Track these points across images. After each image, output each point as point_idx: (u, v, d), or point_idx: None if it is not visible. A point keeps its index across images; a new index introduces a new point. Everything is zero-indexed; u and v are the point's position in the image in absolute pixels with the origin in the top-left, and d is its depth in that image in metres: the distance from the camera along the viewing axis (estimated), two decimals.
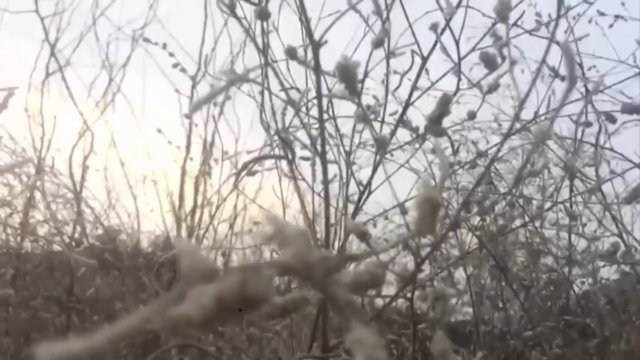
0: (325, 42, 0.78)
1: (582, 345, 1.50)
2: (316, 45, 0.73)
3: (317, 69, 0.73)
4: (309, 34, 0.74)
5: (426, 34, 1.06)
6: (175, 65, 1.78)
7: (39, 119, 2.43)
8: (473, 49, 1.04)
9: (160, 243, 2.90)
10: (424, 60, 1.03)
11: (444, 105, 0.69)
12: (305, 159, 1.18)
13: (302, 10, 0.75)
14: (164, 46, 1.81)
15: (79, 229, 2.20)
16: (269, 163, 1.22)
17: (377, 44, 0.83)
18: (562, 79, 1.57)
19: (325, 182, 0.84)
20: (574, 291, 1.75)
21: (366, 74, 1.03)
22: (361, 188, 1.11)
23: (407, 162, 1.22)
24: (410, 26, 1.01)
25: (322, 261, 0.35)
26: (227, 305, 0.27)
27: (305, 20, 0.75)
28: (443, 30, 0.94)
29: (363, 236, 0.53)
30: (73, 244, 2.29)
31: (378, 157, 0.88)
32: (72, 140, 2.40)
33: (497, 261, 1.56)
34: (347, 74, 0.53)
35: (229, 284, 0.27)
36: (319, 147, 0.86)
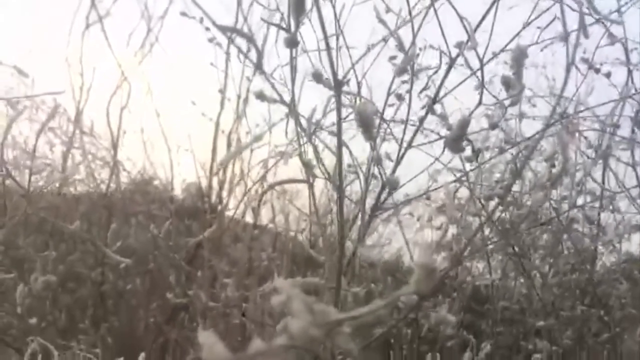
0: (348, 80, 0.80)
1: (595, 337, 1.53)
2: (339, 84, 0.74)
3: (338, 108, 0.74)
4: (334, 73, 0.75)
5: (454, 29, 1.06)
6: (211, 40, 1.80)
7: (78, 69, 2.51)
8: (495, 56, 1.04)
9: (193, 191, 2.98)
10: (452, 60, 1.03)
11: (463, 127, 0.71)
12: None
13: (327, 45, 0.76)
14: (201, 20, 1.83)
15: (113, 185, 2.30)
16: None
17: (401, 71, 0.84)
18: (597, 71, 1.55)
19: (340, 207, 0.87)
20: (593, 277, 1.76)
21: (389, 94, 1.05)
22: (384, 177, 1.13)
23: (438, 159, 1.24)
24: (442, 31, 1.01)
25: (326, 326, 0.39)
26: None
27: (329, 59, 0.76)
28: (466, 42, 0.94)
29: (372, 265, 0.57)
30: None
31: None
32: (110, 93, 2.48)
33: (516, 253, 1.58)
34: (366, 121, 0.56)
35: None
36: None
